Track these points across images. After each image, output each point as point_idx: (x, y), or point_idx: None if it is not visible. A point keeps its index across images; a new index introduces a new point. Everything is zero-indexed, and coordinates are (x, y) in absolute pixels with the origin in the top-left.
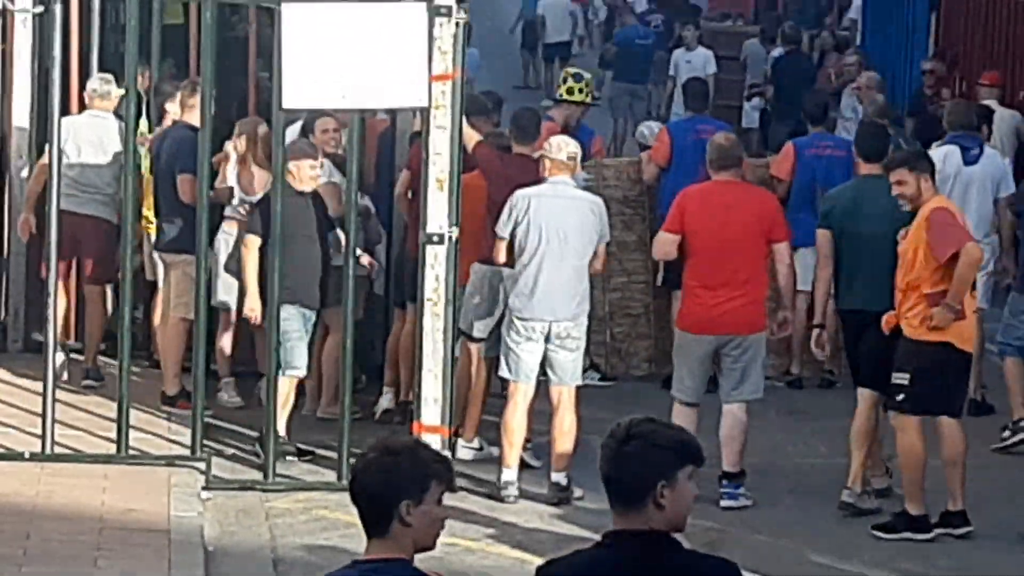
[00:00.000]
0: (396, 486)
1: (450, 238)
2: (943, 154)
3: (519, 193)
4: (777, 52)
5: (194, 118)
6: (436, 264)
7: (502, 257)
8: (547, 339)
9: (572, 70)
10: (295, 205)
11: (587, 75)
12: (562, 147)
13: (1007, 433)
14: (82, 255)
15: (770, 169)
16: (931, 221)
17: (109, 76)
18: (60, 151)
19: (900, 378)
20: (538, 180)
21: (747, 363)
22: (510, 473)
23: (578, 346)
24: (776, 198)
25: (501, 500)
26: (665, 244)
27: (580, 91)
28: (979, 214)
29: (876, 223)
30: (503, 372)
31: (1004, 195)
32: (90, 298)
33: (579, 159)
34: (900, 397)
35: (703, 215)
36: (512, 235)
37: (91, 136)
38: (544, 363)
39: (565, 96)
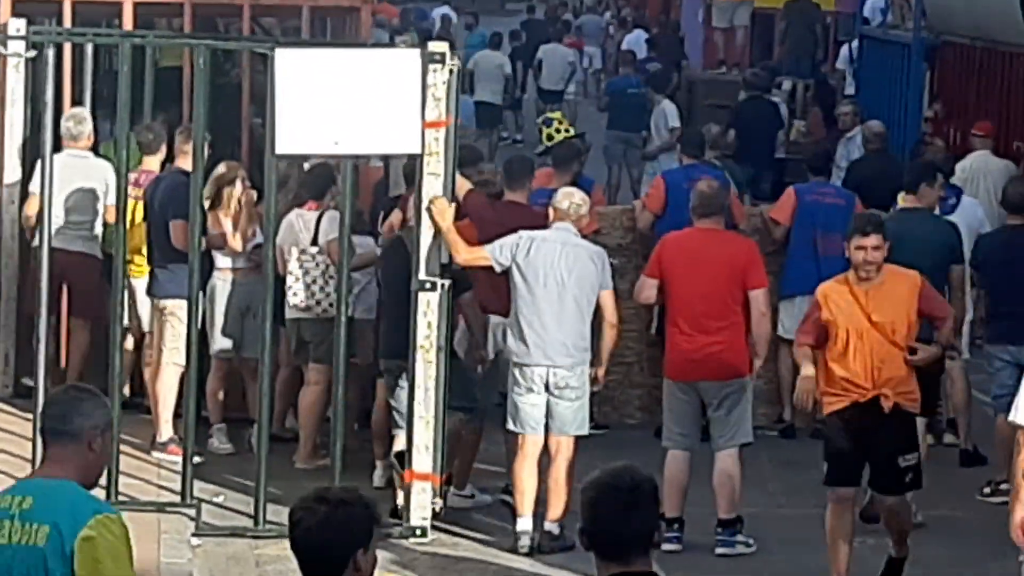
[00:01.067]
0: (354, 536)
1: (442, 285)
2: None
3: (524, 233)
4: (741, 97)
5: (188, 163)
6: (428, 311)
7: (479, 262)
8: (547, 388)
9: (539, 119)
10: None
11: (554, 114)
12: (565, 197)
13: (987, 490)
14: (69, 290)
15: (767, 213)
16: (924, 291)
17: (82, 114)
18: (51, 194)
19: (909, 459)
20: (530, 228)
21: (731, 408)
22: (524, 522)
23: (578, 396)
24: (755, 246)
25: (515, 551)
26: (644, 288)
27: (557, 131)
28: None
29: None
30: (509, 425)
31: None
32: (73, 331)
33: (584, 210)
34: (909, 478)
35: (680, 261)
36: (508, 273)
37: (72, 175)
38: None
39: (547, 143)
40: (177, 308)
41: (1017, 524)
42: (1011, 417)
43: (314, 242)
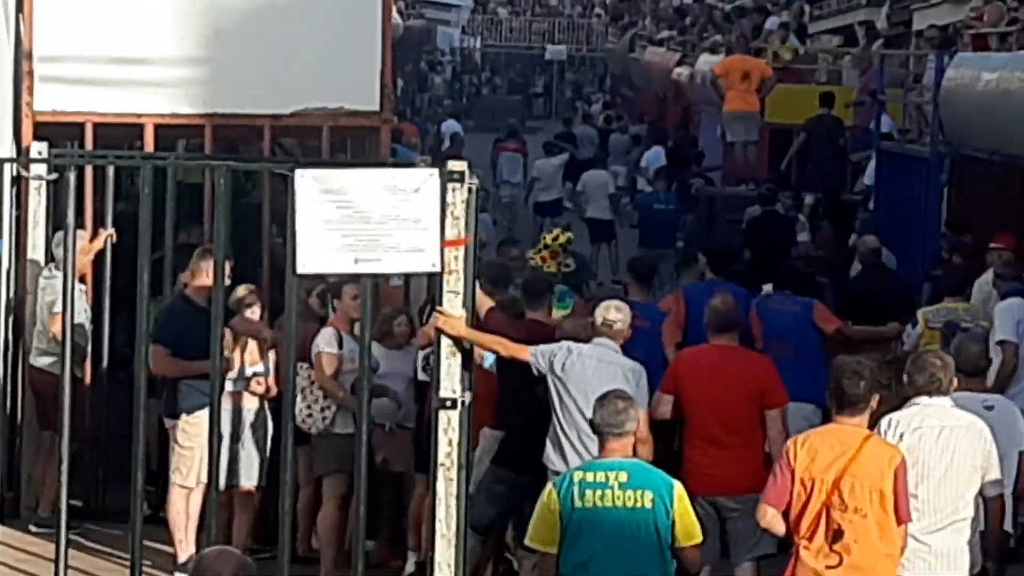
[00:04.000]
0: None
1: (463, 403)
2: None
3: (565, 344)
4: (755, 212)
5: (202, 281)
6: (449, 429)
7: (520, 357)
8: None
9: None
10: None
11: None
12: (600, 312)
13: None
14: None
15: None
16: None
17: (60, 237)
18: (72, 314)
19: None
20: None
21: (746, 521)
22: None
23: None
24: (772, 364)
25: None
26: (660, 404)
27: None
28: None
29: None
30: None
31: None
32: (46, 444)
33: (622, 325)
34: None
35: (695, 378)
36: (544, 378)
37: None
38: None
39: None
40: (192, 426)
41: None
42: None
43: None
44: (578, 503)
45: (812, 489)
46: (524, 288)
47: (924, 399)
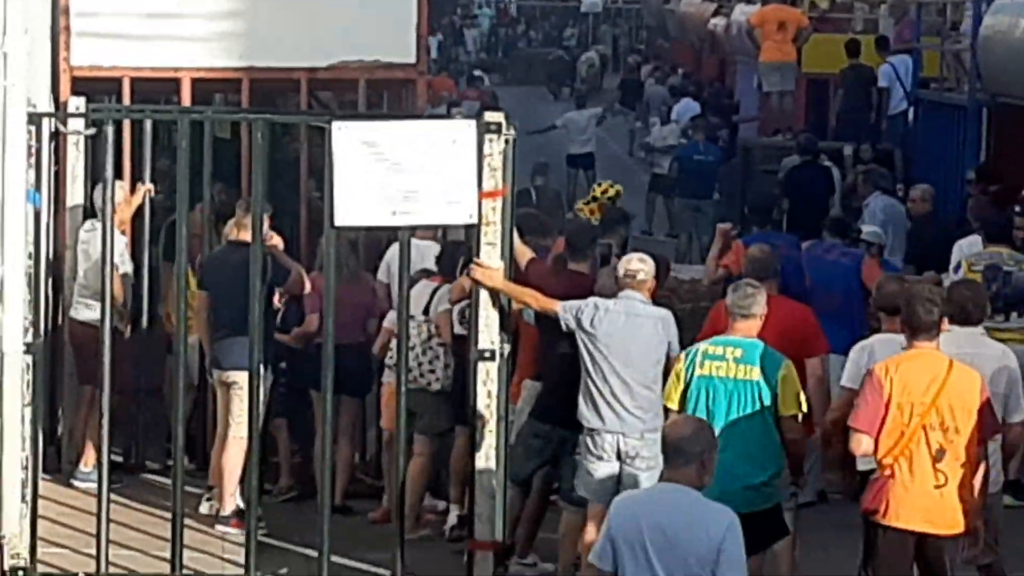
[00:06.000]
0: None
1: (502, 354)
2: None
3: (591, 300)
4: (794, 162)
5: (245, 236)
6: (488, 380)
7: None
8: (618, 456)
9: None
10: None
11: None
12: (623, 264)
13: None
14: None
15: None
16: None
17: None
18: (112, 269)
19: None
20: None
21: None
22: None
23: (649, 466)
24: (811, 312)
25: None
26: None
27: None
28: None
29: None
30: (579, 491)
31: None
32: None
33: (646, 276)
34: None
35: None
36: (572, 334)
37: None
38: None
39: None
40: (243, 380)
41: None
42: None
43: (425, 312)
44: (698, 370)
45: (911, 412)
46: (568, 239)
47: (955, 328)
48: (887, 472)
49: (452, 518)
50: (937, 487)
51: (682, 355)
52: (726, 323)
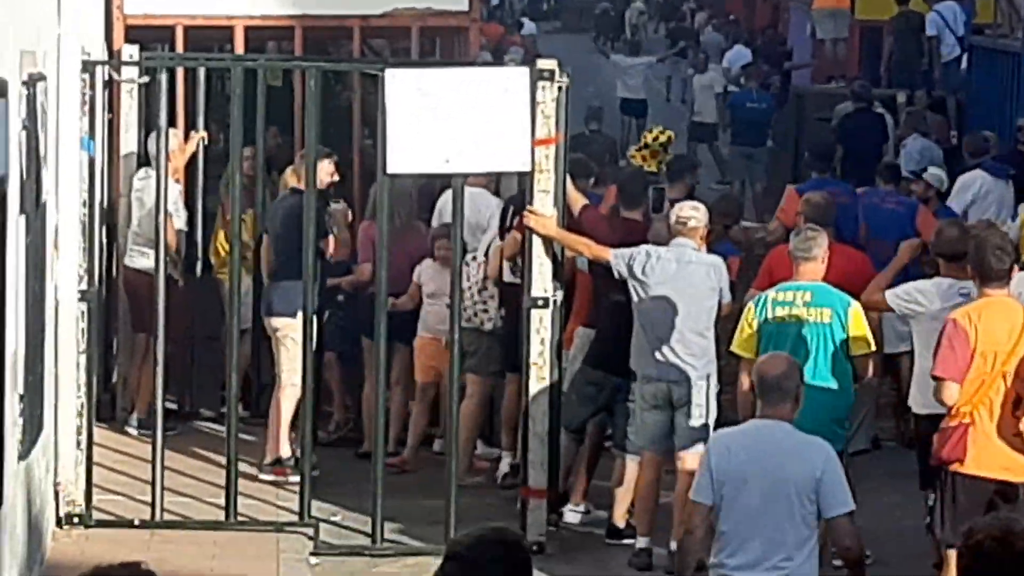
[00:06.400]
0: None
1: (555, 302)
2: None
3: (644, 248)
4: (847, 110)
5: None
6: (541, 328)
7: (602, 259)
8: (671, 404)
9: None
10: None
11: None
12: (674, 212)
13: None
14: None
15: None
16: None
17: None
18: (167, 217)
19: None
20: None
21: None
22: (644, 541)
23: (702, 413)
24: (868, 259)
25: (636, 567)
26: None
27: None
28: None
29: None
30: (632, 439)
31: None
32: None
33: (698, 223)
34: None
35: (789, 273)
36: (624, 282)
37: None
38: (671, 429)
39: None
40: (291, 328)
41: None
42: None
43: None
44: (769, 316)
45: (994, 361)
46: (620, 187)
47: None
48: (966, 420)
49: (504, 466)
50: (1016, 435)
51: (751, 303)
52: (781, 271)
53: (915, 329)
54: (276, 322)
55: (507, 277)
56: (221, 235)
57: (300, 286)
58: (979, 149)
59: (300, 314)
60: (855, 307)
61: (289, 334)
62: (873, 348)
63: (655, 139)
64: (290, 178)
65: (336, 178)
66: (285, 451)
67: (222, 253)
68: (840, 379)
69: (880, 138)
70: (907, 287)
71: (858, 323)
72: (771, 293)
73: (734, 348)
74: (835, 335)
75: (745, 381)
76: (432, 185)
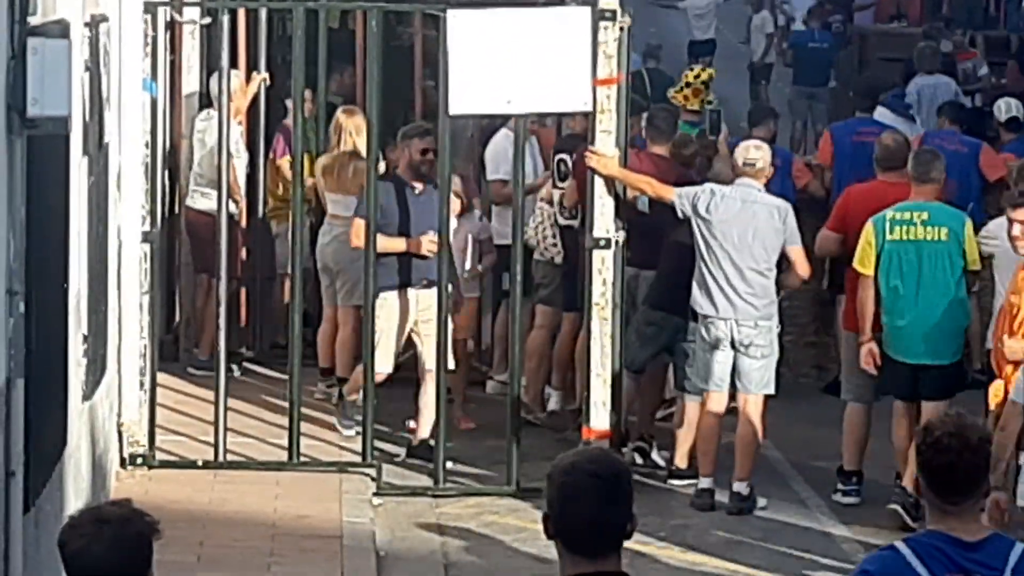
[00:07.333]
0: (146, 559)
1: (617, 242)
2: None
3: (708, 186)
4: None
5: (408, 159)
6: (603, 269)
7: (665, 198)
8: (732, 345)
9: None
10: None
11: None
12: (740, 153)
13: None
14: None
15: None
16: None
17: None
18: (229, 158)
19: None
20: (675, 181)
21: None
22: (707, 481)
23: (764, 354)
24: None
25: (698, 508)
26: (827, 242)
27: (698, 77)
28: None
29: None
30: (694, 380)
31: None
32: (202, 286)
33: (763, 164)
34: None
35: (865, 214)
36: (685, 222)
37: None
38: (733, 370)
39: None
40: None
41: None
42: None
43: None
44: (888, 236)
45: None
46: (649, 122)
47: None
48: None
49: (553, 403)
50: None
51: (870, 222)
52: (856, 210)
53: (995, 265)
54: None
55: (561, 220)
56: (271, 179)
57: (393, 262)
58: None
59: (390, 294)
60: (969, 223)
61: (382, 314)
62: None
63: (696, 76)
64: (394, 154)
65: (429, 157)
66: (425, 432)
67: (271, 200)
68: (958, 291)
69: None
70: (988, 226)
71: (972, 239)
72: (889, 212)
73: (855, 265)
74: (951, 252)
75: (865, 296)
76: (493, 127)
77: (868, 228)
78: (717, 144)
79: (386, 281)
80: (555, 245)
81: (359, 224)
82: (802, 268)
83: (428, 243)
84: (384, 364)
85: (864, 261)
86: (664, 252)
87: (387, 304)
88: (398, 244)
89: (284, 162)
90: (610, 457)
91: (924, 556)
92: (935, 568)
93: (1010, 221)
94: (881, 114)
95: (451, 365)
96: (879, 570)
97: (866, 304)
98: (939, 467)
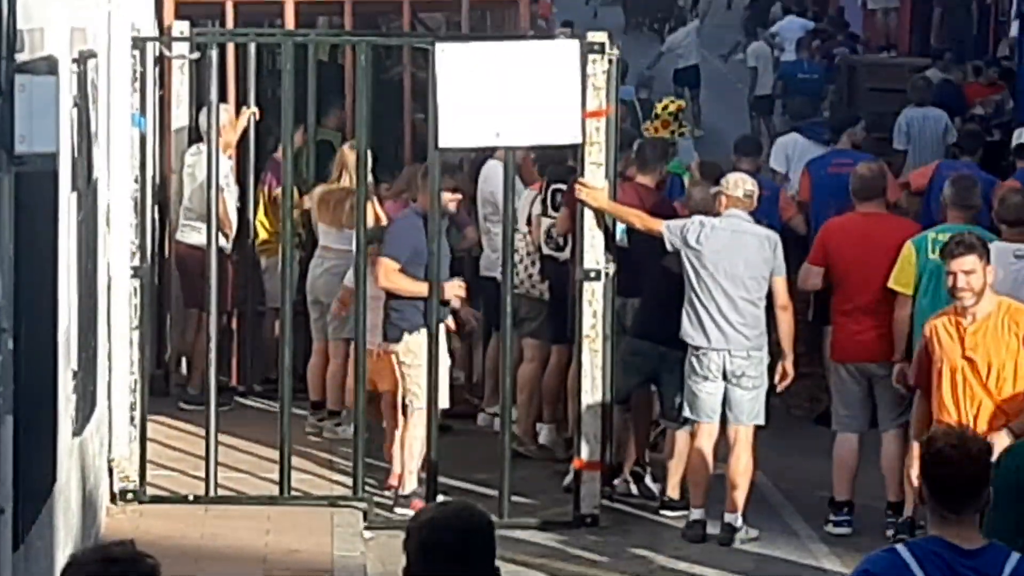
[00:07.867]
0: None
1: (607, 274)
2: None
3: (697, 218)
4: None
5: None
6: (594, 300)
7: (654, 231)
8: (724, 376)
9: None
10: None
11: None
12: (739, 184)
13: None
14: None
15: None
16: None
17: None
18: (219, 192)
19: None
20: (656, 212)
21: (894, 388)
22: (698, 513)
23: (755, 385)
24: (920, 228)
25: (689, 539)
26: (810, 275)
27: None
28: None
29: None
30: (685, 412)
31: None
32: (192, 320)
33: (756, 197)
34: None
35: (845, 247)
36: (679, 256)
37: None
38: (724, 401)
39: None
40: (398, 351)
41: None
42: None
43: (528, 222)
44: (930, 256)
45: None
46: (637, 151)
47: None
48: None
49: (543, 437)
50: None
51: (910, 243)
52: (837, 245)
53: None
54: (396, 346)
55: (545, 250)
56: (260, 213)
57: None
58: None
59: (420, 332)
60: None
61: (417, 351)
62: None
63: (664, 108)
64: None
65: (456, 203)
66: (410, 486)
67: (260, 232)
68: None
69: (960, 108)
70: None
71: None
72: (931, 234)
73: (891, 284)
74: None
75: (902, 315)
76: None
77: (908, 248)
78: (690, 169)
79: (418, 319)
80: (542, 281)
81: (387, 265)
82: (782, 298)
83: (453, 289)
84: (445, 399)
85: (903, 281)
86: (647, 281)
87: (423, 341)
88: (421, 288)
89: (280, 193)
90: (472, 512)
91: (923, 560)
92: (932, 572)
93: (950, 273)
94: (794, 139)
95: (444, 403)
96: (879, 570)
97: (903, 323)
98: (940, 477)
